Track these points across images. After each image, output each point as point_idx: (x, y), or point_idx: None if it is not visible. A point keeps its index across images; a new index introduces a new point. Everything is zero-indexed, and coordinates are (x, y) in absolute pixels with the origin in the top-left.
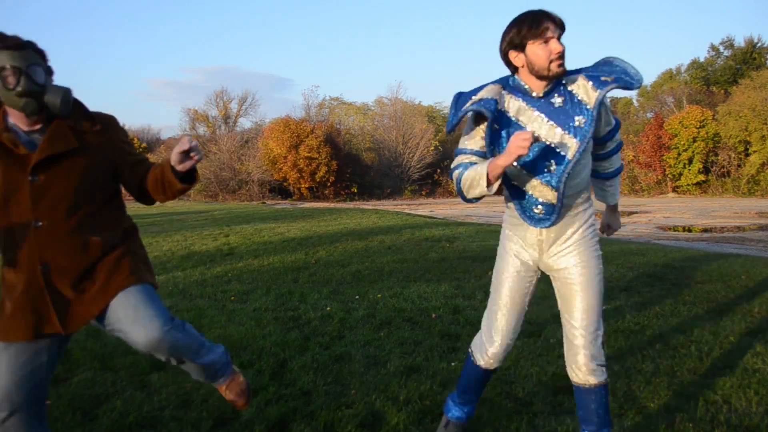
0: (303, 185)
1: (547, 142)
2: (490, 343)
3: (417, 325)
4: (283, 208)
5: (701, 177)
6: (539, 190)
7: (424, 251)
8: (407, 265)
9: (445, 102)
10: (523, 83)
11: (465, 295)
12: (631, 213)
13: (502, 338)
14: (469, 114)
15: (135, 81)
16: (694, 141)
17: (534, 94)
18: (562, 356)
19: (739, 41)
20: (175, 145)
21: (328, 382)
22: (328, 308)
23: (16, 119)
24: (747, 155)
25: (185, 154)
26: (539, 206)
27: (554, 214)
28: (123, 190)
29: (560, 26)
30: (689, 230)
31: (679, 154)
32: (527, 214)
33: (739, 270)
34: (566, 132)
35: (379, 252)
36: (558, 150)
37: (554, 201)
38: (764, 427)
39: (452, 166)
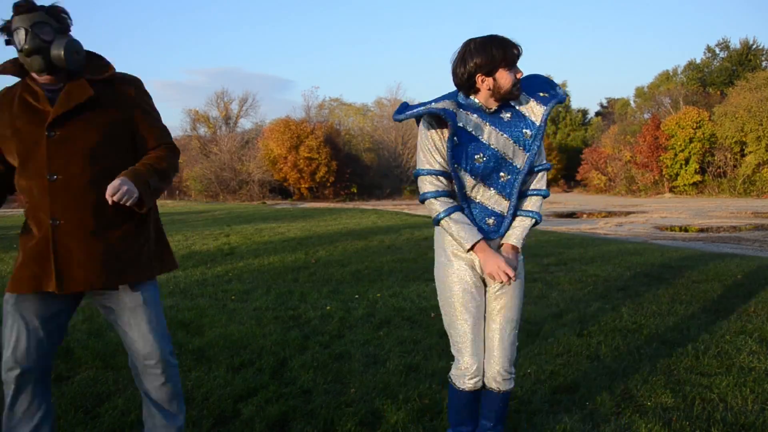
0: (303, 185)
1: (501, 153)
2: (467, 363)
3: (416, 324)
4: (283, 208)
5: (698, 177)
6: (495, 200)
7: (423, 251)
8: (406, 265)
9: None
10: (477, 102)
11: None
12: (628, 213)
13: (477, 352)
14: (423, 124)
15: None
16: (691, 142)
17: (486, 111)
18: (560, 355)
19: (735, 43)
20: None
21: (328, 380)
22: (328, 307)
23: (42, 80)
24: (743, 156)
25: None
26: (492, 218)
27: (503, 225)
28: None
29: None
30: (686, 230)
31: (675, 155)
32: (478, 226)
33: (735, 270)
34: (517, 144)
35: (378, 252)
36: (510, 161)
37: (506, 212)
38: (760, 424)
39: (423, 190)
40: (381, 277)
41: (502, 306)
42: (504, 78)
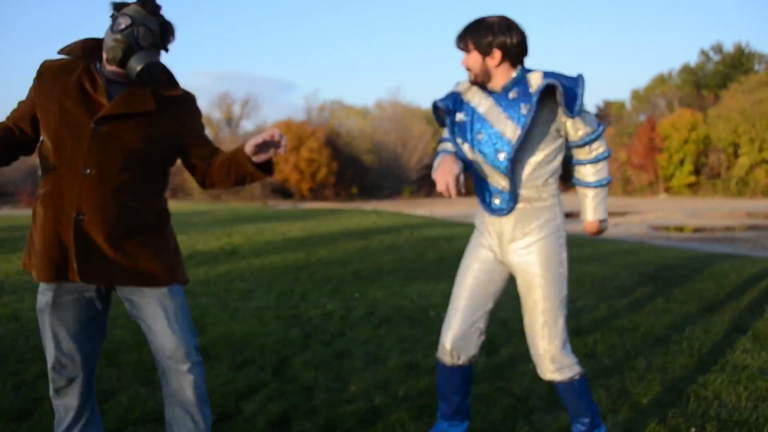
0: (304, 186)
1: (498, 131)
2: (446, 332)
3: (416, 322)
4: (284, 208)
5: (692, 178)
6: (494, 178)
7: (422, 250)
8: (406, 264)
9: None
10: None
11: None
12: (624, 213)
13: (458, 325)
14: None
15: None
16: (686, 143)
17: (492, 89)
18: None
19: (728, 46)
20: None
21: (329, 378)
22: (329, 306)
23: (111, 68)
24: (736, 157)
25: (263, 146)
26: (497, 196)
27: (510, 202)
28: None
29: (464, 44)
30: (681, 230)
31: (670, 156)
32: (487, 204)
33: (728, 269)
34: (512, 120)
35: (378, 251)
36: (506, 137)
37: (508, 188)
38: (753, 421)
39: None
40: (381, 276)
41: (528, 296)
42: None
